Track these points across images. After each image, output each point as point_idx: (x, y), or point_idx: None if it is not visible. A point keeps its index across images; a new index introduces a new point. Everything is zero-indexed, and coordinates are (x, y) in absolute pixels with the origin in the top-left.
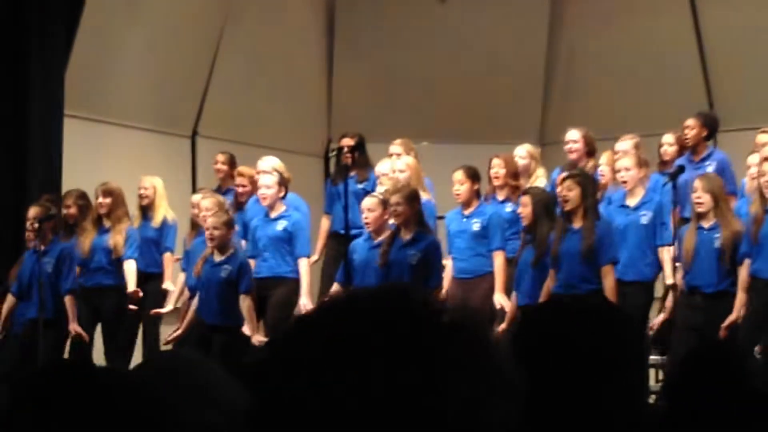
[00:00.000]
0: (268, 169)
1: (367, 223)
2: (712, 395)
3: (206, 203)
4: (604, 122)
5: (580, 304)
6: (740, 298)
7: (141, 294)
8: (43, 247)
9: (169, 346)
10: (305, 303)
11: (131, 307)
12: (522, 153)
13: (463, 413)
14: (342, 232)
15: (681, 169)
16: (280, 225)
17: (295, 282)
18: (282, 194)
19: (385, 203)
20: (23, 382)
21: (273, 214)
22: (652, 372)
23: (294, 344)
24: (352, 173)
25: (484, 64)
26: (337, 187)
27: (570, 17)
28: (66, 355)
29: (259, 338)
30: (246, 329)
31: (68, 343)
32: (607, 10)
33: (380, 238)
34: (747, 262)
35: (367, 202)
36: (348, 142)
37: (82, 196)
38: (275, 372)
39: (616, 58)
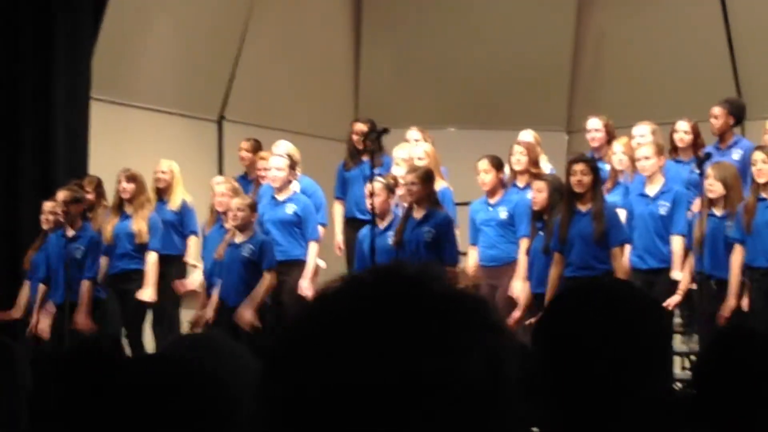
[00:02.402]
0: (280, 152)
1: (371, 207)
2: (740, 381)
3: (220, 188)
4: (630, 109)
5: (604, 288)
6: (734, 285)
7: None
8: (73, 232)
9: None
10: (306, 287)
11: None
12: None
13: (490, 372)
14: (359, 217)
15: (708, 156)
16: (289, 208)
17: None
18: (292, 178)
19: (389, 188)
20: (48, 364)
21: (281, 197)
22: (677, 360)
23: (306, 325)
24: (366, 158)
25: (511, 49)
26: (349, 172)
27: (598, 2)
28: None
29: (247, 316)
30: (247, 301)
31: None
32: None
33: (385, 223)
34: (738, 248)
35: (373, 186)
36: (361, 128)
37: (100, 183)
38: (288, 356)
39: (643, 44)
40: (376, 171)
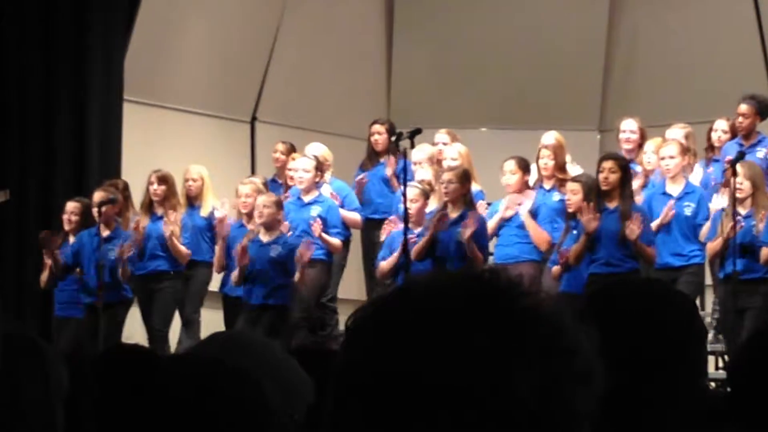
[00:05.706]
0: (306, 153)
1: (409, 214)
2: None
3: (245, 189)
4: (663, 108)
5: (636, 285)
6: None
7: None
8: (107, 233)
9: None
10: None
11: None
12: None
13: (542, 396)
14: (376, 217)
15: (742, 155)
16: (314, 210)
17: (326, 264)
18: (318, 179)
19: (426, 194)
20: (85, 364)
21: (306, 198)
22: (711, 358)
23: (385, 309)
24: (383, 159)
25: (543, 49)
26: (365, 173)
27: (630, 1)
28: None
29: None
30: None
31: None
32: None
33: (420, 229)
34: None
35: (409, 193)
36: (378, 129)
37: (126, 187)
38: (366, 339)
39: (676, 42)
40: (391, 173)
